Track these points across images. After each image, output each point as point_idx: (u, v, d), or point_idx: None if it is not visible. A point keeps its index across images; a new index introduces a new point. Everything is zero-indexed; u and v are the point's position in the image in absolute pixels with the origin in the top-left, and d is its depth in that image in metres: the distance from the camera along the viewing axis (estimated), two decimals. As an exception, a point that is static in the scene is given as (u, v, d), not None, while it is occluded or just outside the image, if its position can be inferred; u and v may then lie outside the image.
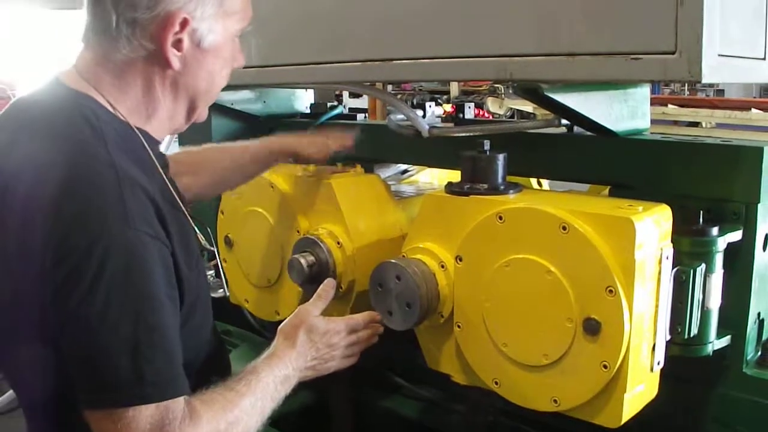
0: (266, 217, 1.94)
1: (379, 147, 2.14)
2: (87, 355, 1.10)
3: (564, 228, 1.34)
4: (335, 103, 2.48)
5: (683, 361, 1.46)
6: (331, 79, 1.88)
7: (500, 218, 1.42)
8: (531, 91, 1.48)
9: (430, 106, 2.09)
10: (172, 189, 1.29)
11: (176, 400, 1.13)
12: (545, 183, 2.29)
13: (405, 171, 2.35)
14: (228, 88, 2.28)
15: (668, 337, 1.41)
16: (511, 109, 7.86)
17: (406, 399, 2.04)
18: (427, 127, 1.78)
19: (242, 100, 2.45)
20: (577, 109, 1.52)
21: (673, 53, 1.23)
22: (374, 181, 1.91)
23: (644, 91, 1.69)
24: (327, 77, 1.87)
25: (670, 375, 1.44)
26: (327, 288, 1.60)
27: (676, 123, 5.67)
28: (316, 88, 2.56)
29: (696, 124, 5.58)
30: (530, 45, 1.40)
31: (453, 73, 1.56)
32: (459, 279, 1.52)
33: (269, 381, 1.34)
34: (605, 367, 1.32)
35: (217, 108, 2.40)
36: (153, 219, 1.16)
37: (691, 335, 1.42)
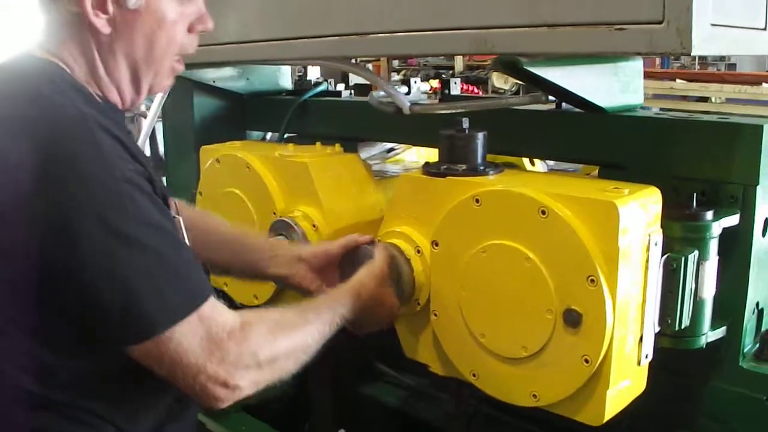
0: (243, 198, 1.87)
1: (361, 125, 2.06)
2: (108, 297, 1.09)
3: (543, 212, 1.25)
4: (321, 80, 2.39)
5: (675, 354, 1.39)
6: (308, 55, 1.81)
7: (477, 201, 1.34)
8: (510, 65, 1.39)
9: (415, 82, 2.00)
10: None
11: (211, 306, 1.15)
12: (539, 163, 2.20)
13: (391, 149, 2.26)
14: (209, 65, 2.25)
15: (657, 329, 1.33)
16: (517, 84, 7.71)
17: (387, 386, 1.97)
18: (408, 104, 1.68)
19: (224, 77, 2.38)
20: (561, 84, 1.42)
21: (660, 23, 1.13)
22: (353, 161, 1.83)
23: (637, 65, 1.59)
24: (305, 53, 1.79)
25: (661, 368, 1.37)
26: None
27: (684, 98, 5.52)
28: (294, 64, 2.50)
29: (705, 99, 5.44)
30: (509, 16, 1.30)
31: (428, 47, 1.47)
32: (435, 265, 1.44)
33: (328, 319, 1.34)
34: (587, 361, 1.24)
35: (199, 86, 2.34)
36: (125, 154, 1.13)
37: (683, 326, 1.34)
